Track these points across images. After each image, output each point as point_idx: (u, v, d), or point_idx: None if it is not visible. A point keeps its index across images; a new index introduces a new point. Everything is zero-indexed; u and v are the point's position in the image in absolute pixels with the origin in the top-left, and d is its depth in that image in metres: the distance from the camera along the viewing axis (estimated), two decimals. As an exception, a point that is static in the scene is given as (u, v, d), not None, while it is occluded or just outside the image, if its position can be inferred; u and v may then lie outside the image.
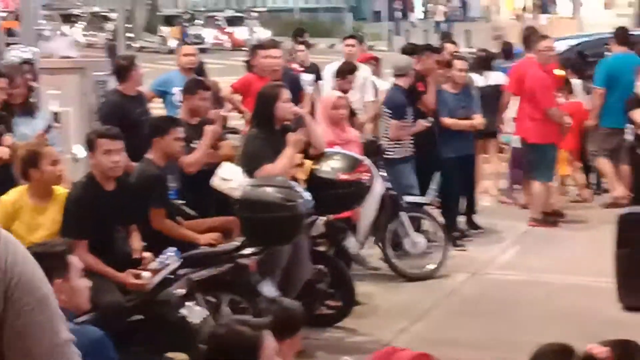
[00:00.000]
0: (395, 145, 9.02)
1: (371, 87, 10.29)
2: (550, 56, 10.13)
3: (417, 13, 51.82)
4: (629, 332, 6.71)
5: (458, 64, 9.76)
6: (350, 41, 11.24)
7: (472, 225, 9.97)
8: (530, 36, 10.83)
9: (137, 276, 5.73)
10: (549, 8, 44.59)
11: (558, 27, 29.52)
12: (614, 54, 10.93)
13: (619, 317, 7.27)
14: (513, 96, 10.42)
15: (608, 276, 7.52)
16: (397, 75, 9.29)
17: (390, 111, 9.09)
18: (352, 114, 8.92)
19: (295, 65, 10.94)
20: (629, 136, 9.81)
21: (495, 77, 10.96)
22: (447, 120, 9.45)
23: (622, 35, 11.04)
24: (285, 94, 6.80)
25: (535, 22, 29.27)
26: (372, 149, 8.34)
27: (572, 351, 3.98)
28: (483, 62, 11.26)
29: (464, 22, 42.73)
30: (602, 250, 7.72)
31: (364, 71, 10.32)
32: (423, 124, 9.21)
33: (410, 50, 10.24)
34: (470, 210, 10.03)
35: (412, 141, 9.11)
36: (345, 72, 9.22)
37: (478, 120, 9.74)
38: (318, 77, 11.21)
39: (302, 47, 12.01)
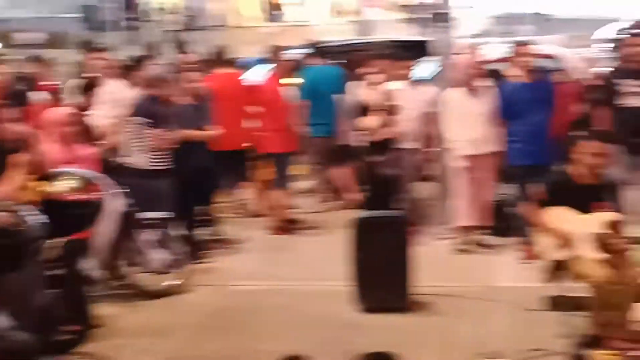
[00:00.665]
0: (153, 157, 8.80)
1: (122, 101, 9.94)
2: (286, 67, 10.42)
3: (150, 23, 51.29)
4: (368, 334, 6.98)
5: (193, 75, 9.68)
6: (97, 54, 10.94)
7: (214, 237, 9.95)
8: (221, 52, 11.03)
9: None
10: (277, 17, 45.50)
11: (289, 35, 30.20)
12: (310, 66, 11.39)
13: (358, 320, 7.48)
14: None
15: (345, 280, 7.73)
16: (149, 85, 9.03)
17: (150, 121, 8.76)
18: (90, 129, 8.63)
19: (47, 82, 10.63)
20: (356, 143, 10.15)
21: None
22: (184, 132, 9.33)
23: (316, 49, 11.81)
24: (6, 113, 6.49)
25: (265, 30, 29.82)
26: (111, 166, 8.11)
27: None
28: None
29: (198, 31, 42.75)
30: (338, 255, 7.91)
31: (113, 85, 10.05)
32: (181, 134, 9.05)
33: (140, 60, 10.04)
34: (210, 222, 10.00)
35: (169, 153, 8.93)
36: (88, 87, 8.94)
37: (214, 130, 9.72)
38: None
39: (40, 64, 11.67)
